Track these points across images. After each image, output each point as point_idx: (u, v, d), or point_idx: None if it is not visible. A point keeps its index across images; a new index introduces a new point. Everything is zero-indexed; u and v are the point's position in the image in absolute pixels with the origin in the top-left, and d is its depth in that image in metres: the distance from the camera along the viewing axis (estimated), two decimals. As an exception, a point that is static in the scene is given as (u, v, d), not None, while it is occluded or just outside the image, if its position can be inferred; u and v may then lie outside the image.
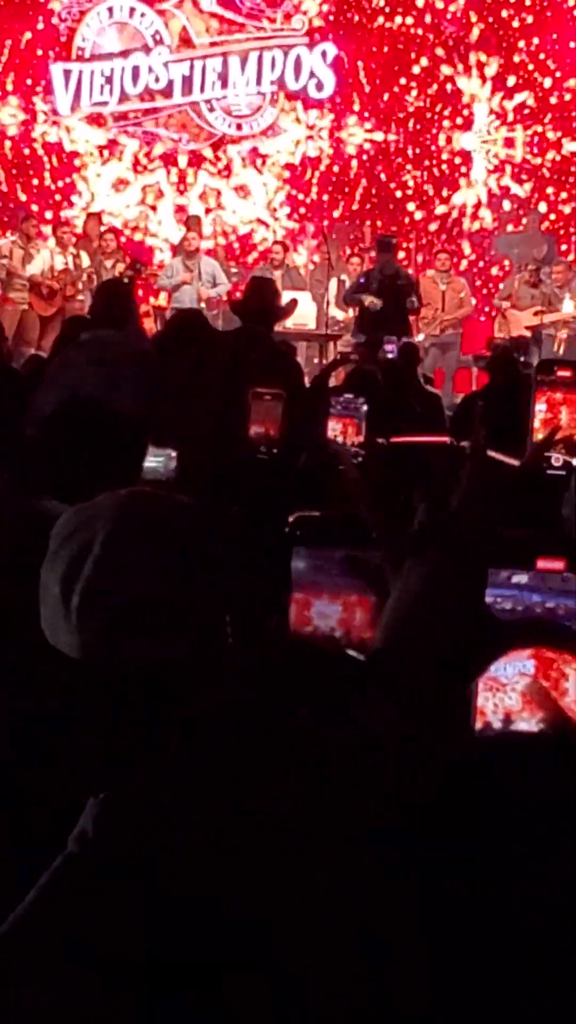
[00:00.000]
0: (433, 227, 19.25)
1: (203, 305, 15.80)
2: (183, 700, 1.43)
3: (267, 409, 5.43)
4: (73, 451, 3.43)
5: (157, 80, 19.07)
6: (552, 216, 19.05)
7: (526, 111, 19.23)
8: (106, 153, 19.37)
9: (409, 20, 19.15)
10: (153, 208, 19.37)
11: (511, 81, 19.17)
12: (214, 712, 1.33)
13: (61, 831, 1.51)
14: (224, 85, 19.09)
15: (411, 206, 19.39)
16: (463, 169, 19.42)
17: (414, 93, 19.23)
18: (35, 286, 16.33)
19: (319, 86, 19.24)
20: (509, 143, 19.33)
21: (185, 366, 7.38)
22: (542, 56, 19.19)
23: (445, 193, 19.42)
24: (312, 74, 19.18)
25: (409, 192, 19.41)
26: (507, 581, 1.47)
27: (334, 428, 6.30)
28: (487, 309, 18.13)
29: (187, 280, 16.26)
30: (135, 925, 1.31)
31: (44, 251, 16.71)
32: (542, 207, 19.10)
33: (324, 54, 19.19)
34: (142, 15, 19.06)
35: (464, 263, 18.82)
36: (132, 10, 19.07)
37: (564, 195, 19.22)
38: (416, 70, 19.25)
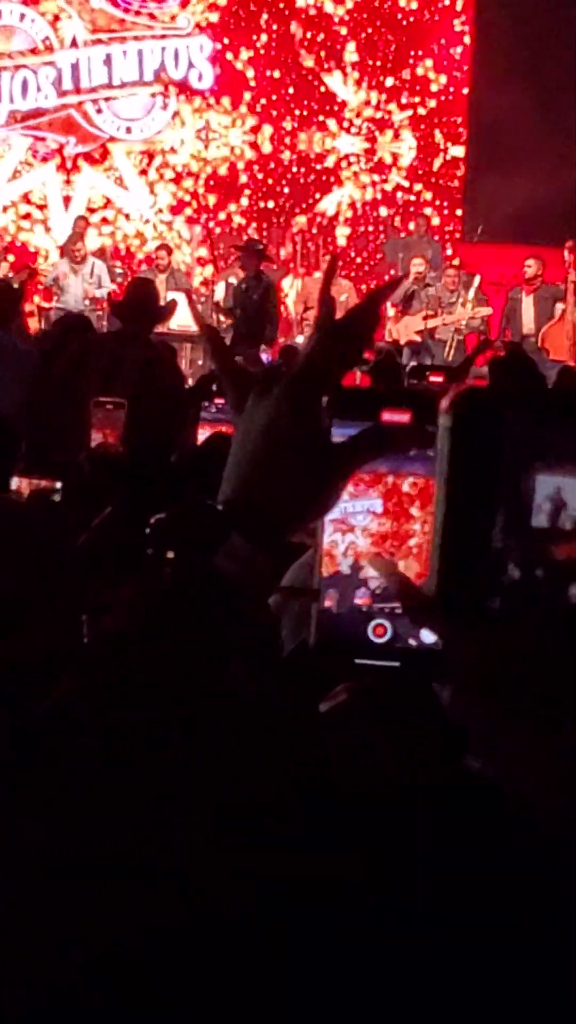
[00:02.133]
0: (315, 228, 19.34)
1: (87, 303, 15.77)
2: (30, 702, 1.38)
3: (108, 418, 5.46)
4: None
5: (47, 98, 19.00)
6: (435, 221, 19.21)
7: (403, 114, 19.39)
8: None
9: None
10: (42, 207, 19.26)
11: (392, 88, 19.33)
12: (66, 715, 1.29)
13: None
14: (109, 73, 19.06)
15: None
16: (346, 173, 19.52)
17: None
18: None
19: (200, 77, 19.31)
20: (392, 148, 19.48)
21: (64, 367, 7.36)
22: (429, 63, 19.37)
23: (319, 196, 19.52)
24: (191, 64, 19.24)
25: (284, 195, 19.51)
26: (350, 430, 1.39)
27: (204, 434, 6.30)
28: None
29: (65, 273, 16.24)
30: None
31: None
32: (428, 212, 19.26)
33: (201, 47, 19.25)
34: (32, 21, 18.98)
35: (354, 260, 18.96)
36: (23, 15, 18.98)
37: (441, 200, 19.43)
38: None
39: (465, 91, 19.40)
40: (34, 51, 19.01)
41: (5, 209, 19.25)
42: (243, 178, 19.47)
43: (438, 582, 1.19)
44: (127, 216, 19.30)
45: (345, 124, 19.47)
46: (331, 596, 1.39)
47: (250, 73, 19.35)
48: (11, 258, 17.14)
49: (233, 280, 16.51)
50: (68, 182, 19.30)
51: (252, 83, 19.36)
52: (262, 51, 19.32)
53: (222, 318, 15.31)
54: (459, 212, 19.36)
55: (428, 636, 1.37)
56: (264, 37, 19.32)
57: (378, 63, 19.31)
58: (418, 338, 16.06)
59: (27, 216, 19.21)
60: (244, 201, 19.47)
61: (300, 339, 16.36)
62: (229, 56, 19.32)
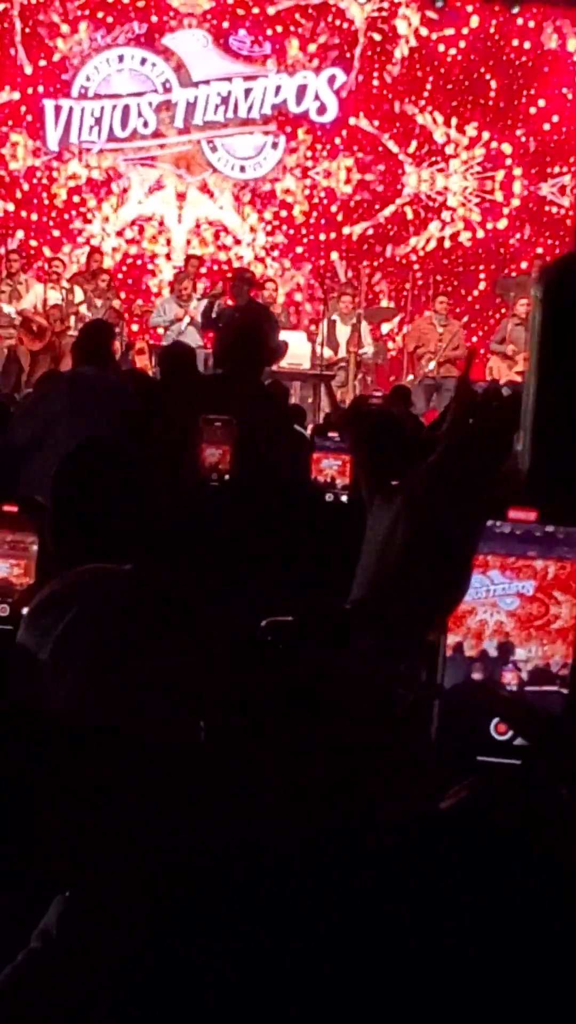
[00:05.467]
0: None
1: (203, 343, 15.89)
2: (150, 779, 1.43)
3: (218, 434, 5.55)
4: (93, 498, 3.34)
5: (146, 125, 19.17)
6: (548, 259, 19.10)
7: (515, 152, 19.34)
8: (114, 188, 19.40)
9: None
10: (154, 239, 19.45)
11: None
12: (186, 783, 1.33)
13: (25, 927, 1.48)
14: (227, 110, 19.16)
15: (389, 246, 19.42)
16: (459, 212, 19.49)
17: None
18: (25, 321, 16.34)
19: (321, 110, 19.31)
20: (504, 186, 19.43)
21: (173, 406, 7.32)
22: (541, 102, 19.29)
23: (438, 234, 19.49)
24: (317, 96, 19.27)
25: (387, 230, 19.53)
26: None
27: (329, 465, 6.24)
28: (482, 351, 18.15)
29: (179, 316, 16.26)
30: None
31: (37, 286, 16.70)
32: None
33: (332, 79, 19.28)
34: (153, 65, 19.21)
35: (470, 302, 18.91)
36: (144, 60, 19.21)
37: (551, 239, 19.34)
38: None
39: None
40: (152, 94, 19.25)
41: (120, 233, 19.45)
42: (353, 215, 19.50)
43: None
44: (239, 256, 19.37)
45: (456, 163, 19.41)
46: (478, 672, 1.42)
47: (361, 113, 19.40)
48: (119, 300, 17.20)
49: (336, 317, 16.55)
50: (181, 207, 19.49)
51: (361, 121, 19.37)
52: (374, 91, 19.33)
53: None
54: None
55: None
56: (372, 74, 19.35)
57: (489, 103, 19.25)
58: (519, 378, 15.95)
59: (134, 266, 19.35)
60: (354, 236, 19.50)
61: (410, 376, 16.34)
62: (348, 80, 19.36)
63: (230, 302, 16.13)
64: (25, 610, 1.79)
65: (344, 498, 5.98)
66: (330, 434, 6.45)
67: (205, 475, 5.38)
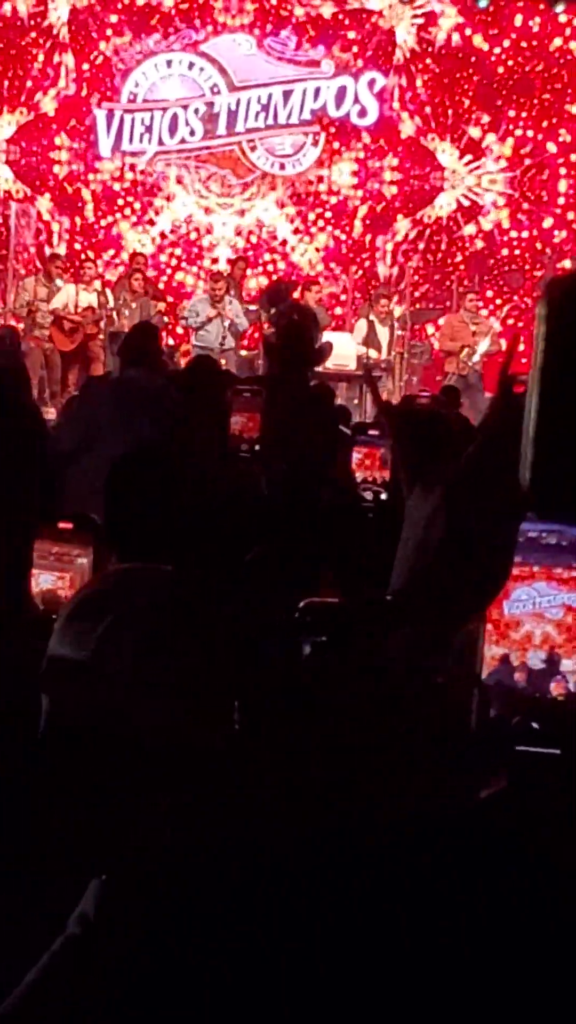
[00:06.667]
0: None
1: (227, 341, 15.92)
2: (188, 774, 1.40)
3: (245, 403, 5.68)
4: (141, 504, 3.35)
5: (192, 133, 19.22)
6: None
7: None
8: (158, 192, 19.48)
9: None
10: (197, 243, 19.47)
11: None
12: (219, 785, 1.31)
13: (62, 912, 1.47)
14: (268, 116, 19.20)
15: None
16: (504, 211, 19.43)
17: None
18: (57, 320, 16.39)
19: (362, 113, 19.28)
20: (548, 186, 19.36)
21: (211, 409, 7.34)
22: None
23: (475, 232, 19.44)
24: (356, 99, 19.23)
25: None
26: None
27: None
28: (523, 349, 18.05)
29: (211, 316, 16.32)
30: (135, 1007, 1.28)
31: (69, 287, 16.74)
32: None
33: (372, 82, 19.24)
34: (201, 69, 19.24)
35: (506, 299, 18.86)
36: (191, 64, 19.26)
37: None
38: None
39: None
40: (200, 99, 19.29)
41: (164, 236, 19.53)
42: (395, 216, 19.45)
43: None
44: (283, 255, 19.40)
45: (502, 163, 19.34)
46: (522, 678, 1.41)
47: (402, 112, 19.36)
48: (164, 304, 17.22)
49: (374, 318, 16.55)
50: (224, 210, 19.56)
51: (404, 124, 19.33)
52: (420, 92, 19.27)
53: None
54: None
55: None
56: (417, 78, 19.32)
57: (534, 101, 19.18)
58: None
59: (178, 268, 19.38)
60: (399, 238, 19.45)
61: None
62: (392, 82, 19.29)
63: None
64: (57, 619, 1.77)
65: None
66: (370, 432, 6.46)
67: (235, 444, 5.46)
